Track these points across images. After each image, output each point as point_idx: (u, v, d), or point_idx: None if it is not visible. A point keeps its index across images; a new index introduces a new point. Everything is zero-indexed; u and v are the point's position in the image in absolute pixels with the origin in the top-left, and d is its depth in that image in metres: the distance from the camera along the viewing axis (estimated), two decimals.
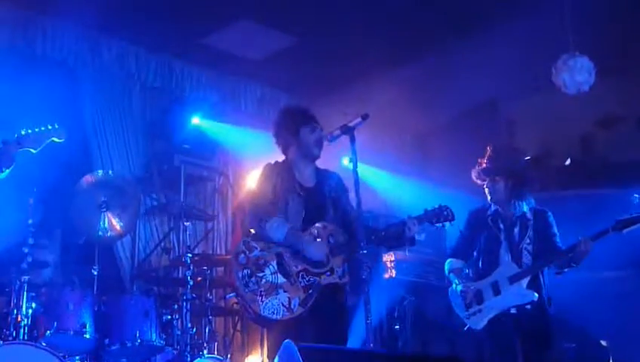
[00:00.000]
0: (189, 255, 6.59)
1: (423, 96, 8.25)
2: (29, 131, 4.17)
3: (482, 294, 5.89)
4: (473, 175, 6.11)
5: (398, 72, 8.07)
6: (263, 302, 5.10)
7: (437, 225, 5.43)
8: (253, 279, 5.16)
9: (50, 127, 4.30)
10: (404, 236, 5.32)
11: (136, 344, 6.01)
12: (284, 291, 5.14)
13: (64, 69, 7.82)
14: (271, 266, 5.20)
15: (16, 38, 7.46)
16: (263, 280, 5.16)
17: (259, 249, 5.25)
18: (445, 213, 5.42)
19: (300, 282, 5.17)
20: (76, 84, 7.97)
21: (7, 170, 4.12)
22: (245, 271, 5.19)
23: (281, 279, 5.18)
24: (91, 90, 8.10)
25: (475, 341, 6.56)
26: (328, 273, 5.23)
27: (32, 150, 4.23)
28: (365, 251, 4.94)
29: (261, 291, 5.12)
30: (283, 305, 5.10)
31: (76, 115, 7.77)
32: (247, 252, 5.24)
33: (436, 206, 5.44)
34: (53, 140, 4.47)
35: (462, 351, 7.29)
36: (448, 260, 6.26)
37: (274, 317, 5.08)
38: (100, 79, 8.18)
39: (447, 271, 6.23)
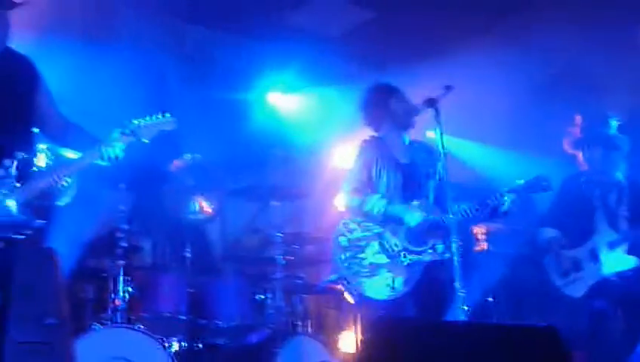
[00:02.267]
0: (279, 234, 6.59)
1: (508, 63, 8.05)
2: (142, 121, 4.11)
3: (580, 262, 5.77)
4: (565, 144, 5.97)
5: (483, 40, 7.89)
6: (366, 283, 5.08)
7: (538, 196, 5.28)
8: (355, 261, 5.14)
9: (161, 117, 4.21)
10: (500, 210, 5.19)
11: (232, 324, 6.07)
12: (388, 271, 5.11)
13: (149, 56, 7.91)
14: (372, 246, 5.17)
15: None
16: (366, 261, 5.14)
17: (360, 230, 5.23)
18: (544, 183, 5.22)
19: (403, 261, 5.12)
20: (160, 70, 8.06)
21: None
22: (347, 253, 5.18)
23: (383, 259, 5.15)
24: (176, 76, 8.17)
25: (570, 311, 6.41)
26: (430, 250, 5.17)
27: (144, 140, 4.16)
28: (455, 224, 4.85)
29: (364, 272, 5.10)
30: (387, 285, 5.07)
31: (162, 100, 7.86)
32: (348, 233, 5.23)
33: (533, 177, 5.25)
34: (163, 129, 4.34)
35: (557, 321, 7.14)
36: (542, 229, 6.13)
37: (378, 297, 5.06)
38: (183, 65, 8.25)
39: (542, 240, 6.11)
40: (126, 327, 5.39)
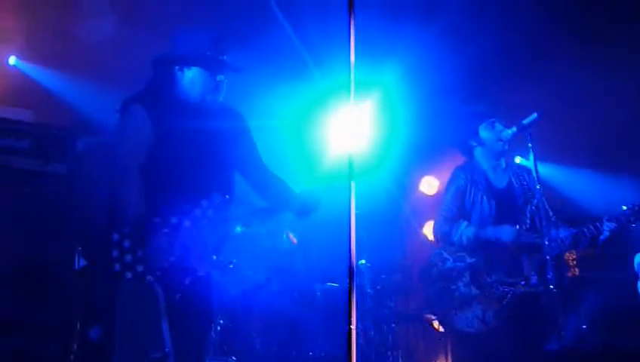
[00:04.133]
0: (367, 264, 6.58)
1: (600, 86, 7.90)
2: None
3: None
4: None
5: (573, 63, 7.77)
6: (457, 314, 5.02)
7: (633, 224, 5.09)
8: (446, 292, 5.09)
9: None
10: (600, 239, 5.05)
11: (322, 354, 6.07)
12: (478, 303, 5.02)
13: None
14: (464, 278, 5.11)
15: None
16: (457, 293, 5.08)
17: (451, 260, 5.17)
18: None
19: (494, 293, 5.04)
20: None
21: None
22: (438, 283, 5.13)
23: (474, 290, 5.07)
24: None
25: None
26: (523, 282, 5.06)
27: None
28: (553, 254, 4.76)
29: (455, 304, 5.04)
30: (478, 317, 4.99)
31: None
32: (440, 263, 5.18)
33: (635, 204, 5.02)
34: None
35: None
36: (638, 255, 5.96)
37: (469, 330, 4.98)
38: None
39: (636, 264, 5.94)
40: (219, 359, 5.43)
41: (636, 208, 4.98)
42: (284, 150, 6.95)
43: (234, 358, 5.54)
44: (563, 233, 5.04)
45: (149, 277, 3.62)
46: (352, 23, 3.41)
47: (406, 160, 8.52)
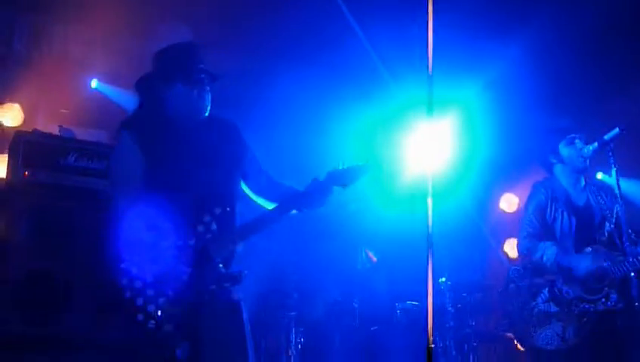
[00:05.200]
0: (448, 282, 6.52)
1: None
2: (339, 168, 4.07)
3: None
4: None
5: None
6: (536, 332, 4.93)
7: None
8: (525, 308, 5.00)
9: (362, 163, 4.14)
10: None
11: None
12: (558, 320, 4.93)
13: None
14: (543, 294, 5.02)
15: None
16: (535, 310, 4.99)
17: (530, 277, 5.09)
18: None
19: (574, 310, 4.93)
20: None
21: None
22: (516, 299, 5.05)
23: (553, 307, 4.97)
24: None
25: None
26: (603, 299, 4.94)
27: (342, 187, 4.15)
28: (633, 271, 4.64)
29: (534, 321, 4.95)
30: (557, 334, 4.89)
31: None
32: (518, 280, 5.10)
33: None
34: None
35: None
36: None
37: (548, 347, 4.89)
38: None
39: None
40: None
41: None
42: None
43: None
44: None
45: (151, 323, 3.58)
46: (431, 35, 3.38)
47: (485, 177, 8.44)
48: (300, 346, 5.77)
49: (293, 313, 5.80)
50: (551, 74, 7.54)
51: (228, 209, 3.86)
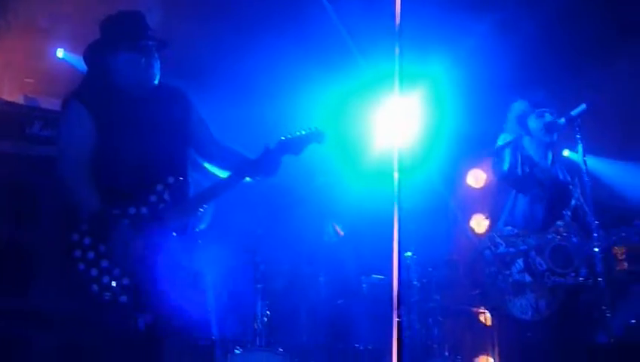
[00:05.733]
0: (410, 254, 6.57)
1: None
2: (289, 136, 4.10)
3: None
4: None
5: (614, 57, 7.67)
6: (512, 301, 4.98)
7: None
8: (500, 276, 5.05)
9: (311, 130, 4.17)
10: None
11: (368, 347, 6.07)
12: (531, 291, 4.99)
13: None
14: (517, 264, 5.08)
15: None
16: (510, 279, 5.04)
17: (504, 245, 5.14)
18: None
19: (547, 282, 4.99)
20: None
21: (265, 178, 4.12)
22: (492, 267, 5.09)
23: (528, 278, 5.03)
24: None
25: None
26: (573, 274, 5.01)
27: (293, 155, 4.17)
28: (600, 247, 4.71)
29: (509, 289, 5.01)
30: (531, 305, 4.95)
31: None
32: (493, 248, 5.14)
33: None
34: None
35: None
36: None
37: (524, 317, 4.95)
38: None
39: None
40: (266, 350, 5.46)
41: None
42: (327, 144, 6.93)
43: (281, 349, 5.56)
44: (610, 228, 4.98)
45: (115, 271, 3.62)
46: (399, 9, 3.38)
47: (453, 152, 8.47)
48: (266, 319, 5.78)
49: (259, 285, 5.80)
50: (520, 48, 7.55)
51: (181, 178, 3.87)
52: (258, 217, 6.04)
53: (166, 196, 3.79)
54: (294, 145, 4.04)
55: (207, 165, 4.14)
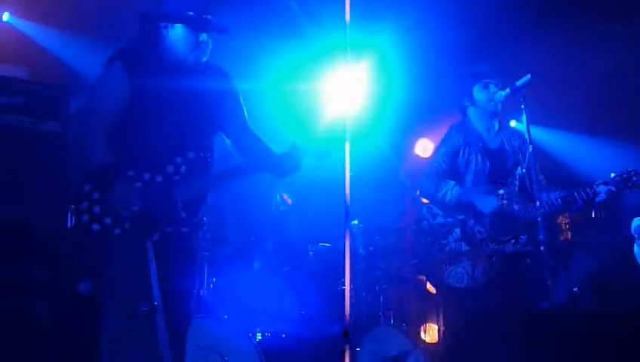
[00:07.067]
0: (360, 225, 6.61)
1: (586, 51, 7.87)
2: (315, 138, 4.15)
3: None
4: None
5: (562, 27, 7.74)
6: (447, 269, 5.06)
7: (625, 190, 5.02)
8: (436, 246, 5.12)
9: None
10: (593, 203, 5.04)
11: (314, 314, 6.12)
12: (468, 259, 5.07)
13: None
14: (455, 233, 5.15)
15: None
16: (447, 248, 5.12)
17: (442, 215, 5.20)
18: (635, 178, 4.93)
19: (485, 250, 5.08)
20: None
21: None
22: (429, 237, 5.16)
23: (464, 246, 5.11)
24: None
25: None
26: (513, 241, 5.09)
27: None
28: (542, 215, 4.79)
29: (445, 258, 5.08)
30: (467, 273, 5.03)
31: None
32: (431, 218, 5.20)
33: (625, 171, 4.97)
34: None
35: None
36: (636, 218, 6.02)
37: (458, 285, 5.03)
38: None
39: (633, 228, 6.00)
40: (211, 317, 5.47)
41: (625, 176, 4.93)
42: (276, 113, 6.92)
43: (226, 316, 5.58)
44: (553, 195, 5.05)
45: (116, 231, 3.67)
46: None
47: (402, 122, 8.51)
48: (211, 286, 5.79)
49: (206, 253, 5.80)
50: (468, 19, 7.59)
51: (202, 155, 3.91)
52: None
53: (182, 169, 3.83)
54: (319, 147, 4.10)
55: (233, 150, 4.18)
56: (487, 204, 5.10)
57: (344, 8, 3.59)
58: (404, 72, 7.72)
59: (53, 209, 5.16)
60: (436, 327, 7.59)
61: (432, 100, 7.61)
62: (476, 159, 5.26)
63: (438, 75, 7.49)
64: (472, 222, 5.13)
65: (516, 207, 5.09)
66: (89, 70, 6.50)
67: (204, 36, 3.94)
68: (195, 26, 3.91)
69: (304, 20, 6.45)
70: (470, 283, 5.03)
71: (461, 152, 5.28)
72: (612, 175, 4.99)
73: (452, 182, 5.21)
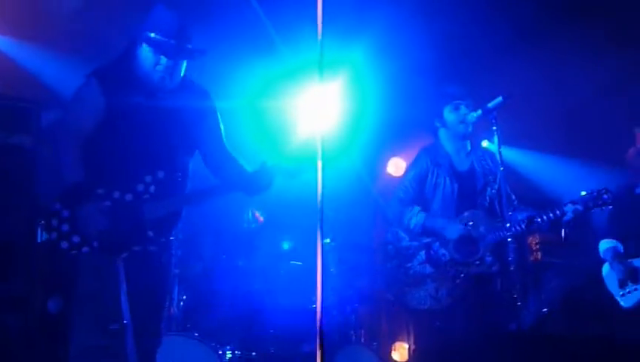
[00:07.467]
0: (328, 241, 6.60)
1: (562, 73, 7.95)
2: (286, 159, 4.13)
3: (638, 272, 5.69)
4: (632, 155, 5.91)
5: (535, 49, 7.80)
6: (410, 292, 5.06)
7: (594, 209, 5.01)
8: (401, 270, 5.13)
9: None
10: (562, 222, 5.05)
11: (285, 332, 6.09)
12: (432, 281, 5.07)
13: None
14: (419, 256, 5.15)
15: None
16: (411, 271, 5.12)
17: (407, 239, 5.21)
18: (605, 196, 4.93)
19: (448, 271, 5.08)
20: None
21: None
22: (394, 261, 5.16)
23: (429, 269, 5.12)
24: None
25: (627, 321, 6.32)
26: (477, 262, 5.10)
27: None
28: (509, 236, 4.81)
29: (409, 281, 5.08)
30: (430, 295, 5.04)
31: None
32: (396, 242, 5.22)
33: (595, 190, 4.98)
34: None
35: (614, 331, 7.03)
36: (603, 241, 6.05)
37: (420, 307, 5.03)
38: None
39: (601, 251, 6.03)
40: (181, 335, 5.42)
41: (595, 194, 4.94)
42: (249, 130, 6.90)
43: (196, 334, 5.53)
44: (522, 215, 5.07)
45: (85, 249, 3.65)
46: None
47: (375, 140, 8.53)
48: (182, 303, 5.75)
49: (177, 270, 5.76)
50: (441, 40, 7.64)
51: (173, 174, 3.91)
52: None
53: (152, 188, 3.82)
54: (290, 169, 4.10)
55: (208, 170, 4.22)
56: (452, 230, 5.11)
57: (317, 26, 3.58)
58: (378, 90, 7.73)
59: (22, 223, 5.11)
60: (406, 346, 7.59)
61: (406, 119, 7.63)
62: (444, 182, 5.26)
63: (412, 93, 7.52)
64: (436, 244, 5.15)
65: (482, 228, 5.10)
66: (61, 84, 6.48)
67: (163, 59, 3.92)
68: (157, 48, 3.90)
69: (277, 37, 6.45)
70: (434, 304, 5.04)
71: (429, 175, 5.28)
72: (582, 193, 5.01)
73: (417, 208, 5.20)
